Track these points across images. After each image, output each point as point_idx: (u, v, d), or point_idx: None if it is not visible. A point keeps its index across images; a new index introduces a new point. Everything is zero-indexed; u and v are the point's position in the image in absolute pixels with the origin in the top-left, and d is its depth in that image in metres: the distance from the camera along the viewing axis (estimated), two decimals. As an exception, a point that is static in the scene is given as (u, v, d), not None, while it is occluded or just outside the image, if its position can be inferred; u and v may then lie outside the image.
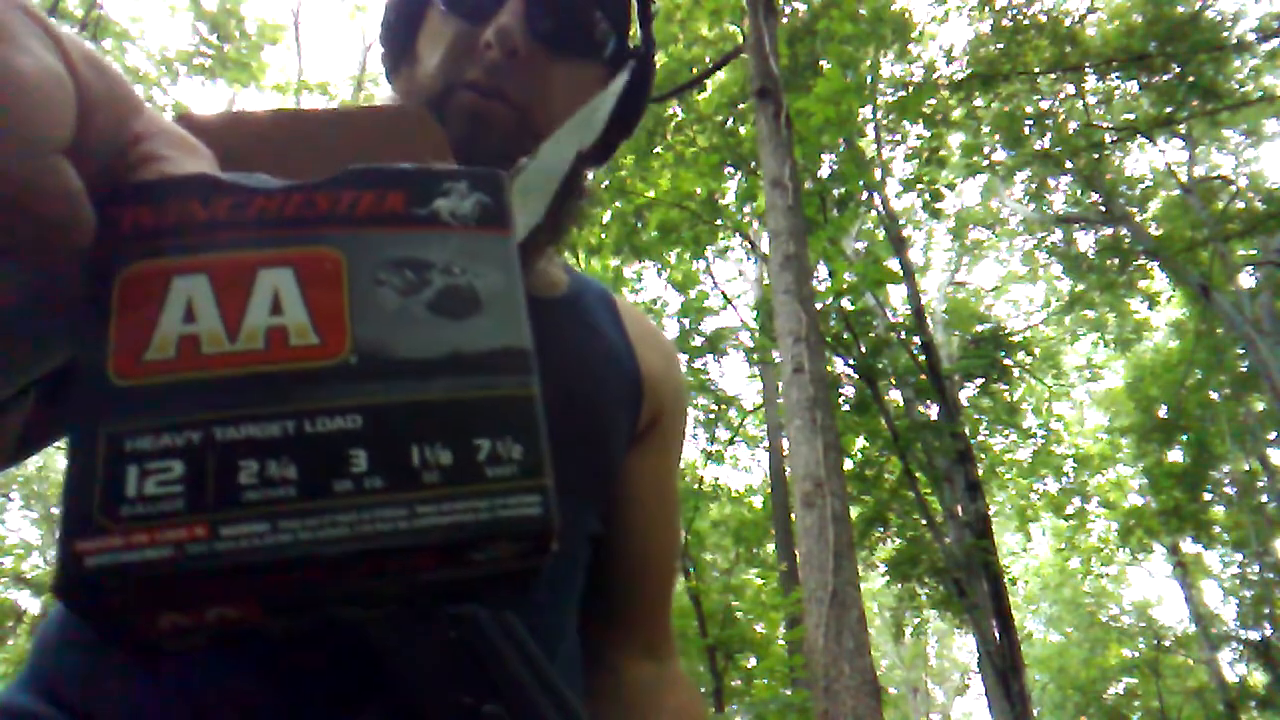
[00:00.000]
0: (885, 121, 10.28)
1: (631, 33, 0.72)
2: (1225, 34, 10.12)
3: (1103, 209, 12.44)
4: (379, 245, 0.28)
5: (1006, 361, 10.39)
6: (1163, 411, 13.91)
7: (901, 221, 11.07)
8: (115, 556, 0.22)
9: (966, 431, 9.76)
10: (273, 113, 0.39)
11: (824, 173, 8.97)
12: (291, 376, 0.26)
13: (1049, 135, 11.38)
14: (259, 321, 0.26)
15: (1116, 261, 12.63)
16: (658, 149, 9.21)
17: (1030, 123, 11.30)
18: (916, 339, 9.28)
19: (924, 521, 9.01)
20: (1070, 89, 11.43)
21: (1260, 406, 13.71)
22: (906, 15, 9.91)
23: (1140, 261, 12.33)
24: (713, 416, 11.76)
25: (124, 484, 0.23)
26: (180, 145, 0.28)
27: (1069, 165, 11.72)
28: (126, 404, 0.24)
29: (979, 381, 11.00)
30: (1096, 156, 11.60)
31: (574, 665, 0.65)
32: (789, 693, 7.21)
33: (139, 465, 0.23)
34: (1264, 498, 14.41)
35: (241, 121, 0.37)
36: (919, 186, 8.49)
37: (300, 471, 0.24)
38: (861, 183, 8.83)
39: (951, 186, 9.97)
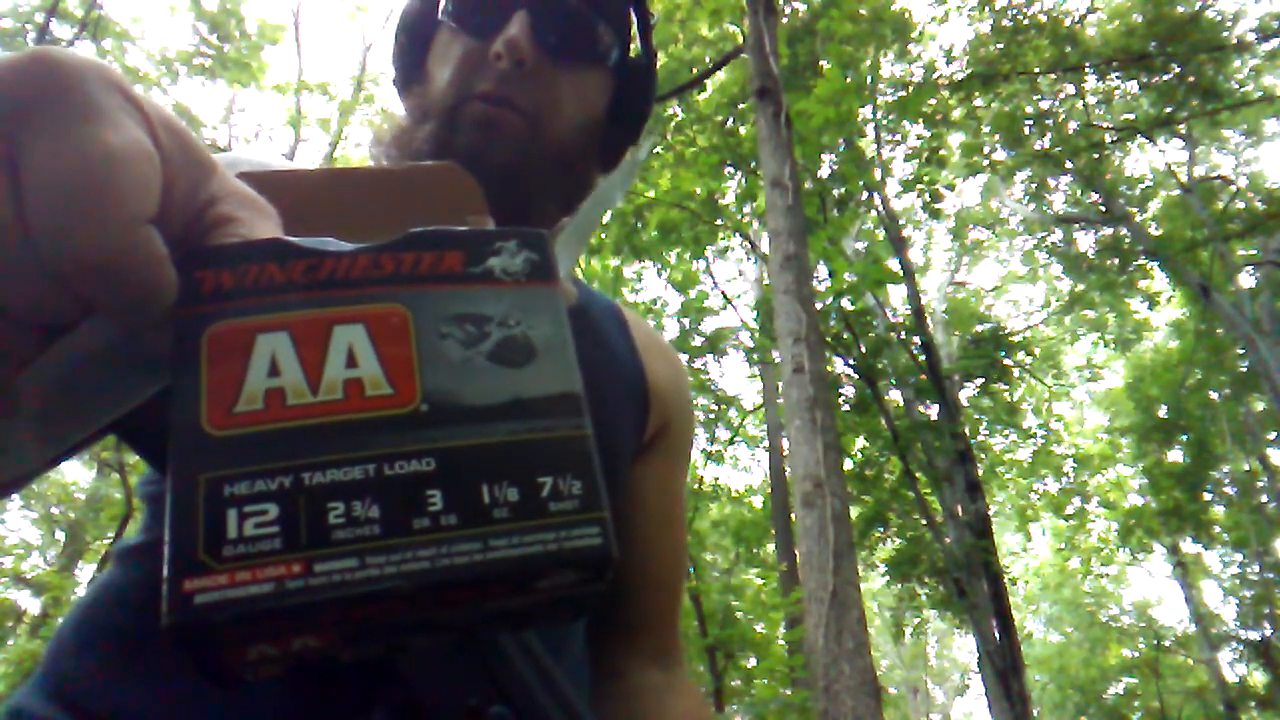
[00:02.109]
0: (885, 121, 10.28)
1: (634, 43, 0.74)
2: (1225, 34, 10.12)
3: (1103, 209, 12.44)
4: (441, 301, 0.31)
5: (1006, 361, 10.39)
6: (1163, 411, 13.92)
7: (901, 221, 11.07)
8: (221, 594, 0.24)
9: (966, 431, 9.77)
10: (324, 172, 0.43)
11: (824, 173, 8.97)
12: (369, 425, 0.28)
13: (1049, 135, 11.38)
14: (337, 374, 0.28)
15: (1116, 261, 12.63)
16: (658, 149, 9.21)
17: (1030, 123, 11.30)
18: (916, 339, 9.28)
19: (924, 521, 9.01)
20: (1070, 89, 11.43)
21: (1260, 406, 13.71)
22: (906, 15, 9.91)
23: (1140, 261, 12.33)
24: (713, 416, 11.76)
25: (225, 526, 0.25)
26: (252, 206, 0.31)
27: (1069, 165, 11.72)
28: (222, 452, 0.26)
29: (979, 381, 11.00)
30: (1096, 156, 11.60)
31: (581, 671, 0.66)
32: (789, 693, 7.21)
33: (238, 509, 0.25)
34: (1264, 498, 14.42)
35: (297, 180, 0.40)
36: (919, 186, 8.49)
37: (383, 511, 0.27)
38: (861, 183, 8.83)
39: (951, 186, 9.97)
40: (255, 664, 0.27)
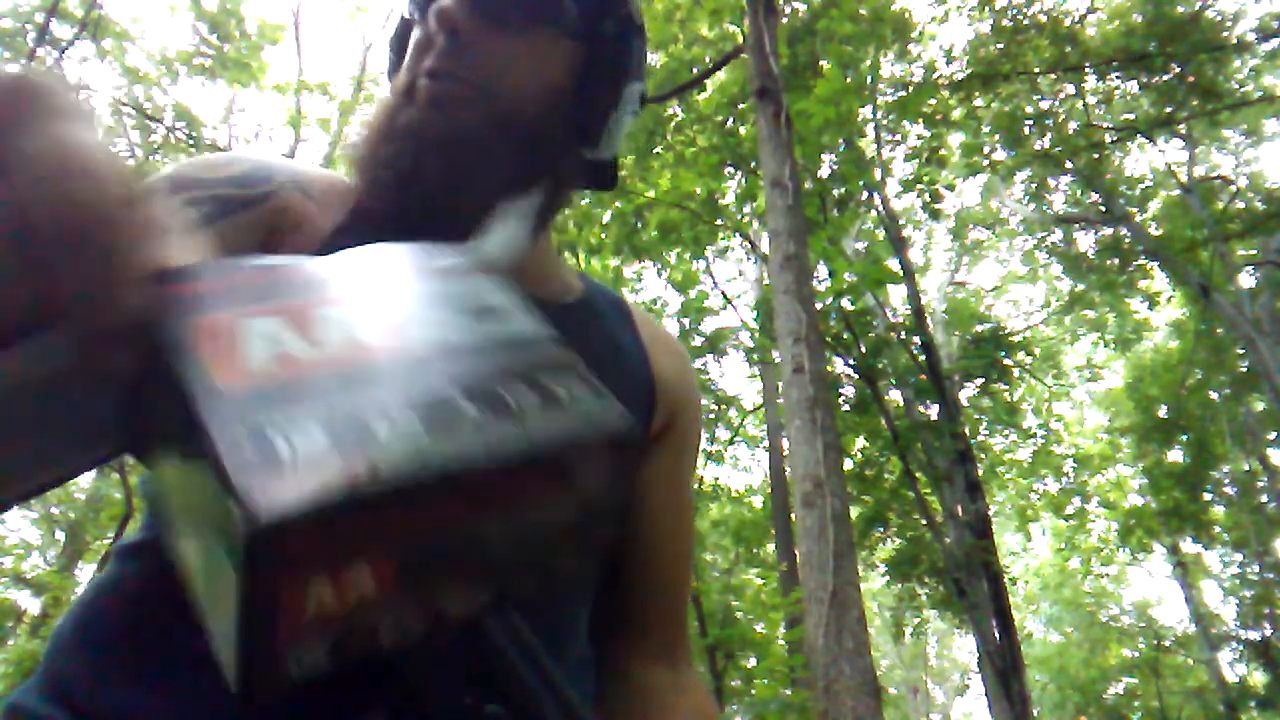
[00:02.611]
0: (885, 121, 10.28)
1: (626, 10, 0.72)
2: (1225, 34, 10.11)
3: (1103, 209, 12.44)
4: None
5: (1006, 361, 10.39)
6: (1163, 411, 13.91)
7: (901, 221, 11.07)
8: (296, 492, 0.25)
9: (966, 431, 9.76)
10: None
11: (824, 173, 8.97)
12: (379, 364, 0.30)
13: (1049, 135, 11.37)
14: (336, 335, 0.31)
15: (1116, 261, 12.63)
16: (658, 149, 9.21)
17: (1030, 123, 11.29)
18: (916, 339, 9.28)
19: (924, 521, 9.01)
20: (1070, 89, 11.42)
21: (1260, 406, 13.71)
22: (906, 15, 9.90)
23: (1140, 261, 12.32)
24: (713, 416, 11.76)
25: (276, 449, 0.26)
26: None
27: (1069, 165, 11.71)
28: (251, 398, 0.27)
29: (979, 381, 10.99)
30: (1096, 156, 11.60)
31: (585, 669, 0.65)
32: (789, 693, 7.21)
33: (283, 435, 0.26)
34: (1264, 498, 14.41)
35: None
36: (919, 186, 8.49)
37: (420, 418, 0.28)
38: (861, 183, 8.82)
39: (951, 187, 9.97)
40: (303, 635, 0.27)
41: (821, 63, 8.44)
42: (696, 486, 10.68)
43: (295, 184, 0.65)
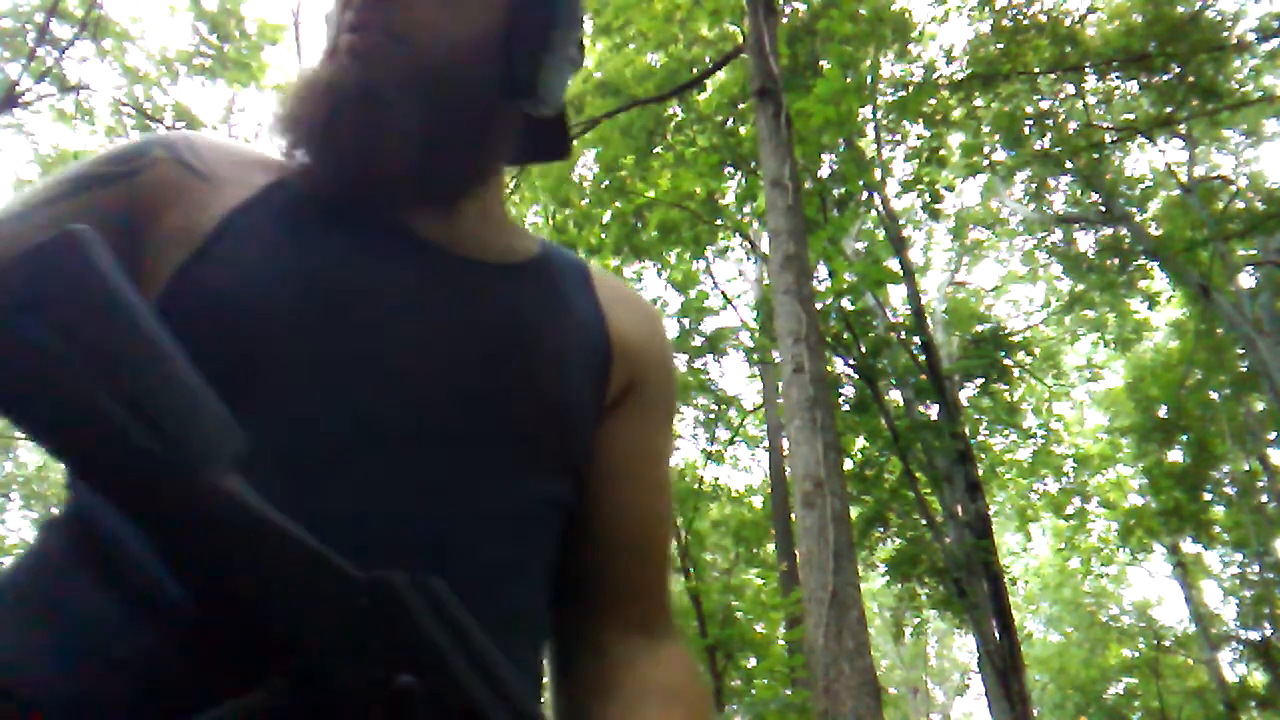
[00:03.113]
0: (885, 121, 10.28)
1: None
2: (1225, 34, 10.11)
3: (1103, 209, 12.43)
4: None
5: (1006, 361, 10.39)
6: (1163, 411, 13.90)
7: (901, 221, 11.07)
8: None
9: (966, 431, 9.76)
10: None
11: (824, 173, 8.97)
12: None
13: (1049, 135, 11.36)
14: None
15: (1116, 261, 12.62)
16: (658, 149, 9.21)
17: (1030, 123, 11.28)
18: (916, 339, 9.28)
19: (924, 521, 9.01)
20: (1070, 89, 11.42)
21: (1260, 406, 13.71)
22: (906, 15, 9.90)
23: (1140, 261, 12.32)
24: (713, 416, 11.76)
25: None
26: None
27: (1069, 165, 11.71)
28: None
29: (979, 381, 10.99)
30: (1096, 156, 11.59)
31: (531, 639, 0.62)
32: (789, 693, 7.21)
33: None
34: (1264, 498, 14.41)
35: None
36: (919, 186, 8.49)
37: None
38: (861, 183, 8.82)
39: (951, 187, 9.97)
40: None
41: (821, 63, 8.43)
42: (696, 487, 10.68)
43: (175, 158, 0.63)
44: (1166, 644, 17.05)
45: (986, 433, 12.35)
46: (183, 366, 0.44)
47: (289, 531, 0.43)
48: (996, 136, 11.33)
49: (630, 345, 0.71)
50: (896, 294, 10.53)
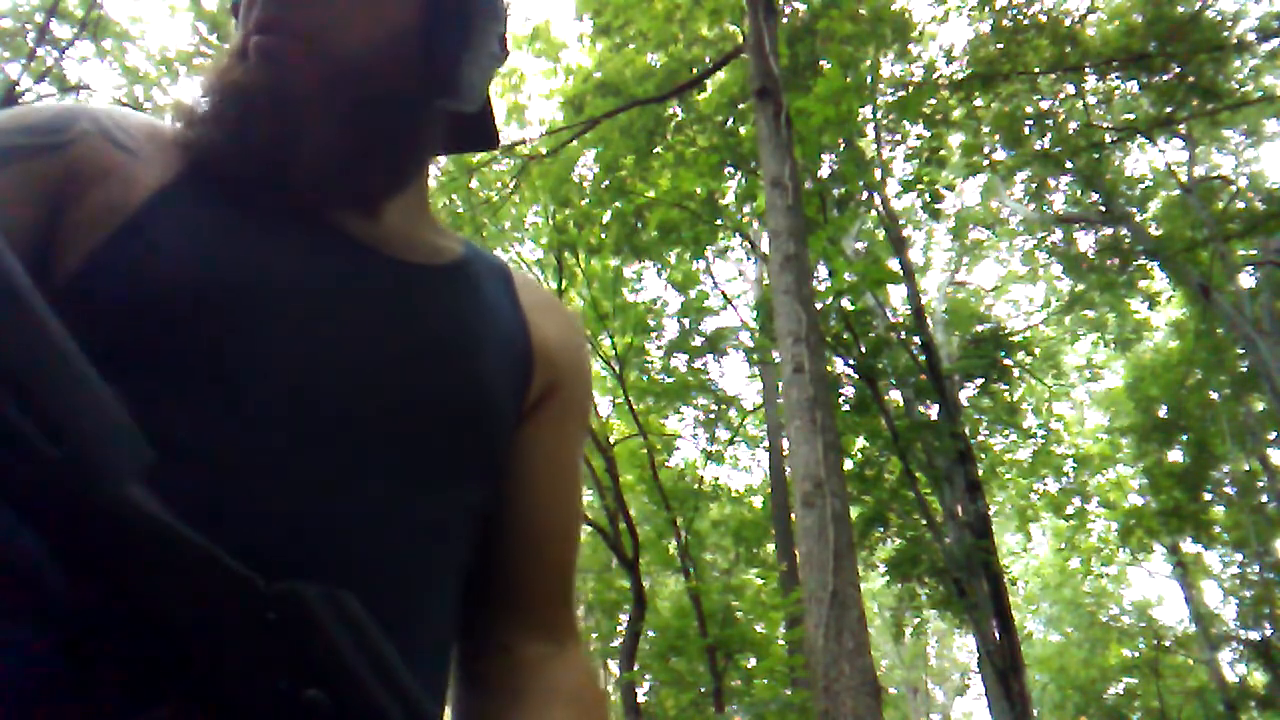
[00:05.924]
0: (885, 121, 10.28)
1: None
2: (1225, 34, 10.10)
3: (1103, 209, 12.43)
4: None
5: (1006, 361, 10.39)
6: (1163, 411, 13.91)
7: (901, 221, 11.07)
8: None
9: (966, 431, 9.77)
10: None
11: (824, 173, 8.97)
12: None
13: (1049, 135, 11.37)
14: None
15: (1116, 261, 12.63)
16: (658, 149, 9.21)
17: (1030, 123, 11.29)
18: (916, 339, 9.28)
19: (924, 521, 9.01)
20: (1070, 89, 11.42)
21: (1260, 406, 13.70)
22: (906, 15, 9.90)
23: (1140, 261, 12.32)
24: (713, 416, 11.77)
25: None
26: None
27: (1069, 165, 11.71)
28: None
29: (979, 381, 10.99)
30: (1096, 156, 11.59)
31: (438, 649, 0.62)
32: (789, 693, 7.21)
33: None
34: (1264, 498, 14.41)
35: None
36: (919, 186, 8.49)
37: None
38: (861, 183, 8.83)
39: (951, 187, 9.96)
40: None
41: (821, 63, 8.43)
42: (696, 487, 10.69)
43: (102, 132, 0.60)
44: (1166, 644, 17.05)
45: (986, 433, 12.36)
46: (87, 367, 0.41)
47: (194, 542, 0.40)
48: (996, 136, 11.33)
49: (551, 350, 0.71)
50: (896, 294, 10.55)
